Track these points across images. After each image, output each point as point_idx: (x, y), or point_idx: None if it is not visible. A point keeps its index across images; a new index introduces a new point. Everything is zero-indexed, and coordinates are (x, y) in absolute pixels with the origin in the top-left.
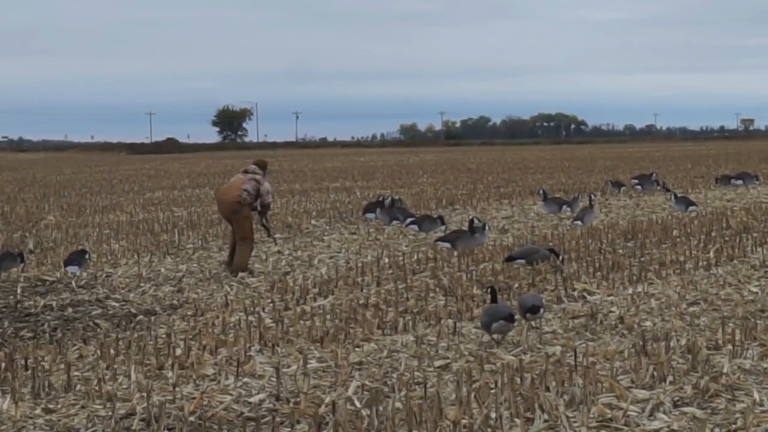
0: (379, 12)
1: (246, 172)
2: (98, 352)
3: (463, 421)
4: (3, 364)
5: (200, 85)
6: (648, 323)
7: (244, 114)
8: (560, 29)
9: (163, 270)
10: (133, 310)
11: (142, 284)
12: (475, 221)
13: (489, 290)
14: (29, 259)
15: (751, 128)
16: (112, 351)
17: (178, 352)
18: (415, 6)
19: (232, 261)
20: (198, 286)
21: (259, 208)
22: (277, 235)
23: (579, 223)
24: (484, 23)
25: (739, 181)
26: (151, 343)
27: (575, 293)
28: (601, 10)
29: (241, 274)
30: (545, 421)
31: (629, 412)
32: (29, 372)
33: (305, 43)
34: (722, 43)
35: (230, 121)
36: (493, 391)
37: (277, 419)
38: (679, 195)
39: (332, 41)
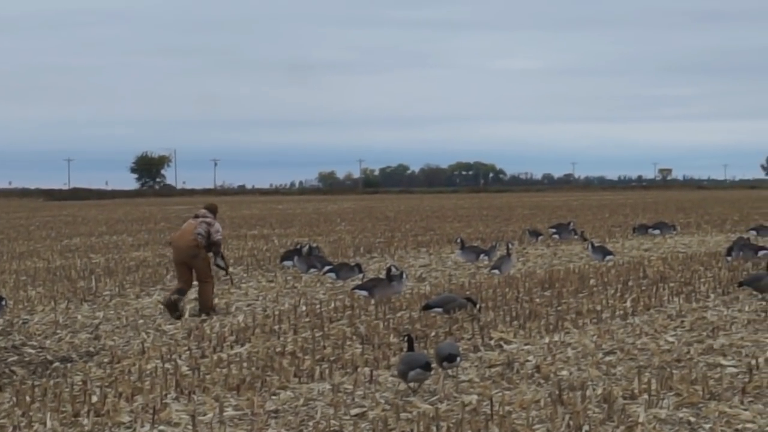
0: (295, 59)
1: (196, 216)
2: (14, 399)
3: None
4: None
5: (119, 132)
6: (564, 372)
7: (162, 161)
8: (478, 78)
9: (79, 317)
10: (49, 357)
11: (58, 331)
12: (393, 269)
13: (406, 338)
14: None
15: (668, 178)
16: (27, 398)
17: (94, 399)
18: (332, 54)
19: (175, 304)
20: (115, 333)
21: (212, 248)
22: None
23: (496, 271)
24: (402, 72)
25: (657, 231)
26: (67, 390)
27: (492, 342)
28: (519, 59)
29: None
30: None
31: None
32: None
33: (224, 90)
34: (640, 93)
35: (149, 167)
36: None
37: None
38: (596, 244)
39: (250, 88)
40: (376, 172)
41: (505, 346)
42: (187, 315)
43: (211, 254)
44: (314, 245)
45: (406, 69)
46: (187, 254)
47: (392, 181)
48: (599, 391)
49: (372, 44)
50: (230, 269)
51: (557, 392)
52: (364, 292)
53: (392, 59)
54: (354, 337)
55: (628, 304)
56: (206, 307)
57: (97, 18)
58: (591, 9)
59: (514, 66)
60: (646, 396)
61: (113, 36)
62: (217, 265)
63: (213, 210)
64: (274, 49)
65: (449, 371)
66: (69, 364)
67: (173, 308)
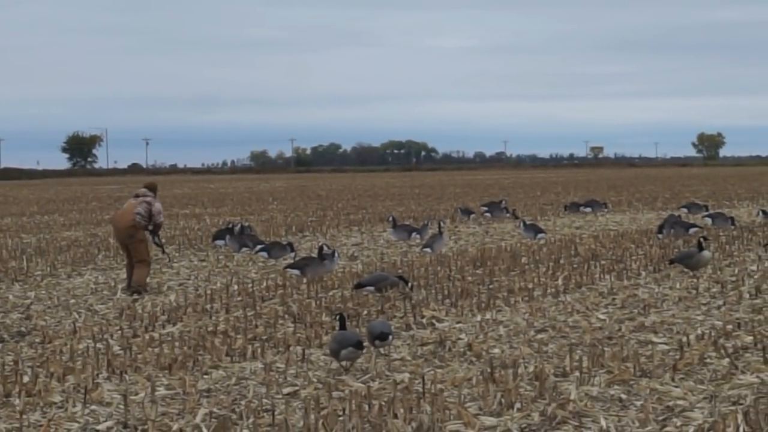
0: (227, 38)
1: (137, 196)
2: None
3: None
4: None
5: (50, 112)
6: (496, 350)
7: (94, 140)
8: (410, 57)
9: (11, 297)
10: None
11: None
12: (325, 248)
13: (338, 317)
14: None
15: (600, 156)
16: None
17: (26, 379)
18: (264, 33)
19: (130, 281)
20: (46, 313)
21: (151, 227)
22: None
23: (428, 250)
24: (335, 50)
25: (588, 209)
26: None
27: (424, 320)
28: (450, 38)
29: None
30: None
31: None
32: None
33: (155, 69)
34: (571, 71)
35: (80, 147)
36: (341, 418)
37: None
38: (528, 222)
39: (181, 67)
40: (308, 151)
41: (437, 325)
42: (119, 294)
43: (149, 233)
44: (246, 224)
45: (338, 48)
46: (125, 234)
47: (324, 160)
48: (531, 368)
49: (304, 23)
50: (166, 248)
51: (489, 370)
52: (296, 271)
53: (324, 38)
54: (286, 316)
55: (560, 282)
56: (138, 285)
57: None
58: None
59: (447, 44)
60: (577, 373)
61: (44, 15)
62: (155, 243)
63: (153, 189)
64: (206, 28)
65: (381, 350)
66: (0, 344)
67: (135, 290)
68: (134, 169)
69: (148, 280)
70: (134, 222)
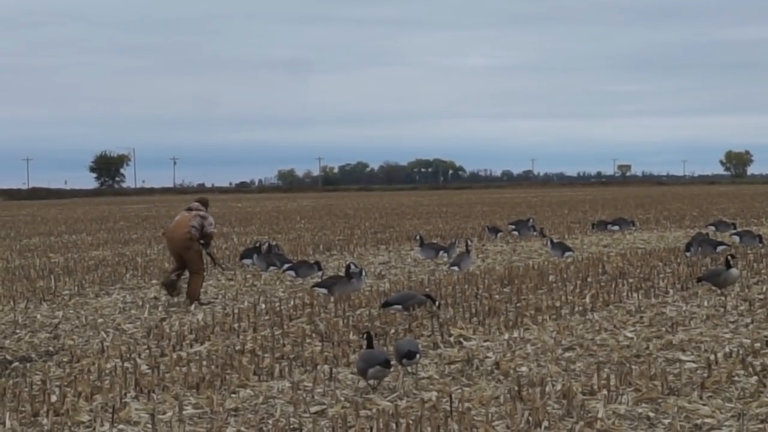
0: (253, 58)
1: (190, 209)
2: None
3: None
4: None
5: (78, 131)
6: (524, 368)
7: (121, 160)
8: (435, 76)
9: (39, 316)
10: (8, 357)
11: (17, 330)
12: (352, 267)
13: (365, 336)
14: None
15: (627, 174)
16: None
17: (54, 398)
18: (287, 53)
19: (173, 286)
20: (74, 333)
21: (202, 241)
22: (155, 281)
23: (456, 268)
24: (360, 70)
25: (616, 227)
26: (27, 389)
27: (451, 339)
28: (476, 57)
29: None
30: None
31: None
32: None
33: (181, 89)
34: (597, 90)
35: (108, 167)
36: None
37: None
38: (555, 240)
39: (208, 87)
40: (336, 170)
41: (465, 343)
42: (147, 313)
43: (202, 245)
44: (274, 243)
45: (364, 67)
46: (181, 246)
47: (352, 178)
48: (558, 387)
49: (328, 42)
50: (219, 260)
51: (516, 388)
52: (324, 290)
53: (350, 57)
54: (313, 335)
55: (587, 300)
56: (193, 298)
57: (54, 18)
58: (545, 6)
59: (473, 63)
60: (605, 392)
61: (70, 35)
62: (209, 254)
63: (205, 203)
64: (231, 48)
65: (409, 368)
66: (28, 364)
67: (171, 287)
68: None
69: (201, 290)
70: (190, 234)
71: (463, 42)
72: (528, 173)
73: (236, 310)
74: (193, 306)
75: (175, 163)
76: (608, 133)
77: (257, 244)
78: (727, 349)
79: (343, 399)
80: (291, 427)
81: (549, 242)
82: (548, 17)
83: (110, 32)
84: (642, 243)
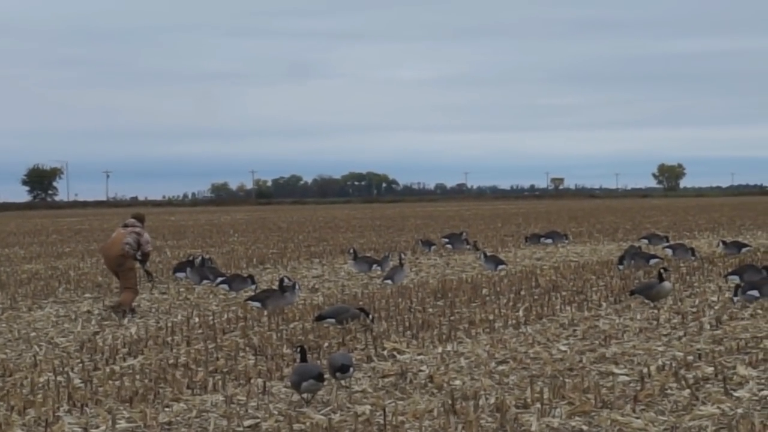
0: (184, 71)
1: (126, 226)
2: None
3: None
4: None
5: (9, 144)
6: (457, 382)
7: (54, 173)
8: (369, 89)
9: None
10: None
11: None
12: (285, 280)
13: (299, 349)
14: None
15: (561, 187)
16: None
17: None
18: (219, 66)
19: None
20: (6, 346)
21: (139, 256)
22: (88, 295)
23: (389, 282)
24: (291, 82)
25: (549, 240)
26: None
27: (385, 352)
28: (407, 70)
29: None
30: None
31: None
32: None
33: (114, 101)
34: (530, 103)
35: (40, 180)
36: None
37: None
38: (488, 254)
39: (140, 100)
40: (269, 183)
41: (398, 356)
42: (80, 327)
43: (138, 263)
44: (207, 257)
45: (296, 79)
46: (114, 263)
47: (285, 191)
48: (492, 400)
49: (261, 55)
50: (154, 276)
51: (450, 402)
52: (257, 304)
53: (280, 69)
54: (247, 349)
55: (521, 313)
56: (123, 307)
57: None
58: (478, 19)
59: (405, 76)
60: (538, 405)
61: (2, 47)
62: (146, 271)
63: (141, 219)
64: (164, 60)
65: (342, 382)
66: None
67: (121, 311)
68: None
69: (134, 304)
70: (124, 251)
71: (396, 54)
72: (461, 186)
73: (169, 324)
74: (125, 320)
75: (108, 176)
76: (541, 146)
77: (190, 258)
78: (660, 362)
79: (276, 413)
80: None
81: (482, 255)
82: (481, 30)
83: (42, 44)
84: (575, 256)
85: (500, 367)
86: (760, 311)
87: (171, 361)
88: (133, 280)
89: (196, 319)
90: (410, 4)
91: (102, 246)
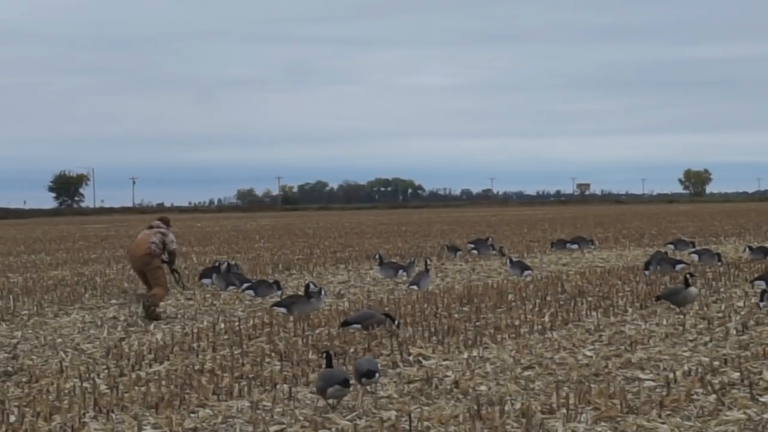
0: (207, 77)
1: (151, 227)
2: None
3: None
4: None
5: (36, 151)
6: (483, 387)
7: (80, 179)
8: (394, 95)
9: None
10: None
11: None
12: (311, 286)
13: (324, 355)
14: None
15: (587, 192)
16: None
17: (12, 419)
18: (242, 72)
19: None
20: (33, 353)
21: (165, 258)
22: (114, 301)
23: (415, 287)
24: (317, 89)
25: (575, 245)
26: None
27: (411, 358)
28: (430, 76)
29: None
30: None
31: None
32: None
33: (140, 108)
34: (554, 108)
35: (67, 186)
36: None
37: None
38: (514, 259)
39: (164, 106)
40: (295, 189)
41: (424, 362)
42: (106, 333)
43: (165, 263)
44: (233, 263)
45: (321, 86)
46: (141, 262)
47: (311, 197)
48: (518, 405)
49: (283, 61)
50: (181, 277)
51: (476, 407)
52: (283, 309)
53: (304, 76)
54: (273, 354)
55: (547, 318)
56: (154, 301)
57: (8, 37)
58: (499, 24)
59: (429, 82)
60: (564, 410)
61: (25, 54)
62: (173, 271)
63: (166, 222)
64: (187, 67)
65: (368, 387)
66: None
67: (152, 314)
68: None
69: (159, 310)
70: (149, 250)
71: (418, 60)
72: (487, 192)
73: (195, 330)
74: (152, 326)
75: (134, 182)
76: (567, 151)
77: (216, 264)
78: (686, 368)
79: (302, 418)
80: None
81: (508, 261)
82: (502, 36)
83: (64, 52)
84: (601, 262)
85: (526, 373)
86: None
87: (197, 367)
88: (162, 279)
89: (222, 325)
90: (429, 9)
91: (128, 247)
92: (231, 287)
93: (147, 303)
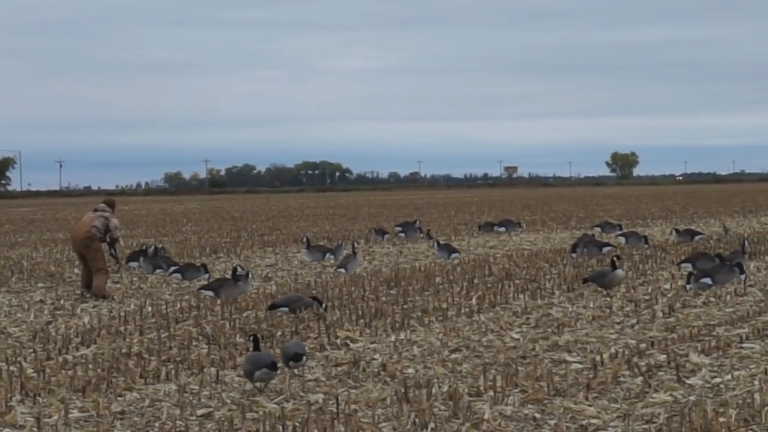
0: (133, 61)
1: (95, 210)
2: None
3: None
4: None
5: None
6: (410, 370)
7: (7, 163)
8: (322, 78)
9: None
10: None
11: None
12: (239, 269)
13: (252, 338)
14: None
15: (514, 176)
16: None
17: None
18: (167, 56)
19: (90, 287)
20: None
21: (108, 240)
22: (41, 284)
23: (342, 270)
24: (240, 72)
25: (502, 228)
26: None
27: (338, 341)
28: (354, 59)
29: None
30: None
31: None
32: None
33: (66, 91)
34: (480, 92)
35: None
36: None
37: None
38: (441, 242)
39: (91, 90)
40: (223, 173)
41: (351, 345)
42: (32, 317)
43: (106, 246)
44: (160, 246)
45: (244, 69)
46: (81, 244)
47: (238, 181)
48: (445, 388)
49: (208, 45)
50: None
51: (403, 390)
52: (210, 293)
53: (230, 60)
54: (200, 338)
55: (474, 301)
56: (100, 294)
57: None
58: (424, 8)
59: (359, 65)
60: (491, 393)
61: None
62: (112, 255)
63: (111, 205)
64: (113, 51)
65: (295, 370)
66: None
67: (101, 297)
68: (48, 191)
69: (108, 286)
70: (90, 233)
71: (345, 44)
72: (415, 175)
73: (122, 313)
74: (79, 309)
75: (61, 166)
76: (494, 135)
77: (143, 247)
78: (612, 350)
79: (229, 402)
80: (177, 430)
81: (435, 244)
82: (427, 19)
83: None
84: (528, 244)
85: (453, 356)
86: (712, 299)
87: (124, 351)
88: (101, 262)
89: (149, 309)
90: None
91: (71, 229)
92: (158, 270)
93: (96, 296)
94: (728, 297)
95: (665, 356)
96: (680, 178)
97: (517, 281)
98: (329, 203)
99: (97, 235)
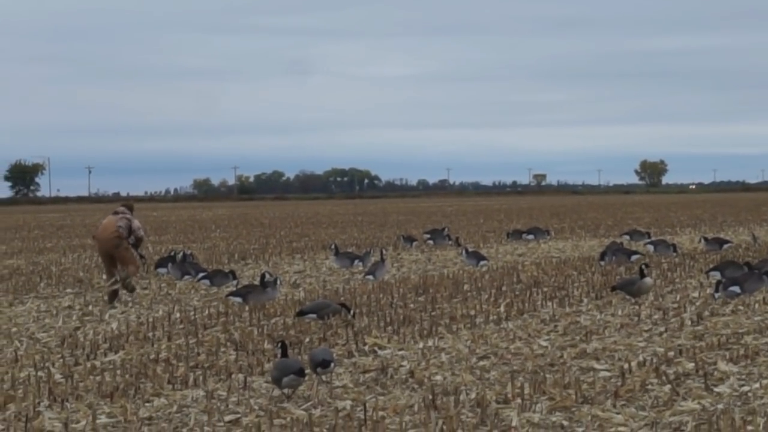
0: (164, 68)
1: (116, 213)
2: None
3: None
4: None
5: None
6: (438, 377)
7: (36, 169)
8: (351, 85)
9: None
10: None
11: None
12: (267, 276)
13: (280, 344)
14: None
15: (543, 183)
16: None
17: None
18: (201, 63)
19: (114, 297)
20: None
21: (132, 241)
22: (69, 290)
23: (370, 277)
24: (274, 79)
25: (531, 236)
26: None
27: (366, 348)
28: (388, 67)
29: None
30: None
31: None
32: None
33: (96, 97)
34: (511, 99)
35: (22, 176)
36: None
37: None
38: (470, 249)
39: (121, 96)
40: (251, 179)
41: (379, 352)
42: (61, 322)
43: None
44: (188, 252)
45: (278, 76)
46: (111, 245)
47: (267, 187)
48: (473, 395)
49: (242, 52)
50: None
51: (431, 397)
52: (239, 299)
53: (262, 67)
54: (228, 344)
55: (502, 308)
56: (128, 281)
57: None
58: (456, 16)
59: (387, 73)
60: (519, 400)
61: None
62: (139, 255)
63: (130, 208)
64: (145, 56)
65: (323, 377)
66: None
67: (114, 296)
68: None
69: (136, 285)
70: (119, 233)
71: (376, 51)
72: (443, 182)
73: (151, 319)
74: (107, 315)
75: (90, 172)
76: (523, 142)
77: (172, 253)
78: (640, 358)
79: (257, 408)
80: None
81: (464, 251)
82: (458, 27)
83: (21, 41)
84: (557, 252)
85: (481, 363)
86: (741, 307)
87: (152, 357)
88: (132, 258)
89: (177, 315)
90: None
91: (95, 233)
92: (186, 277)
93: (122, 275)
94: (756, 305)
95: (693, 364)
96: (693, 186)
97: (545, 289)
98: (358, 210)
99: (124, 233)
